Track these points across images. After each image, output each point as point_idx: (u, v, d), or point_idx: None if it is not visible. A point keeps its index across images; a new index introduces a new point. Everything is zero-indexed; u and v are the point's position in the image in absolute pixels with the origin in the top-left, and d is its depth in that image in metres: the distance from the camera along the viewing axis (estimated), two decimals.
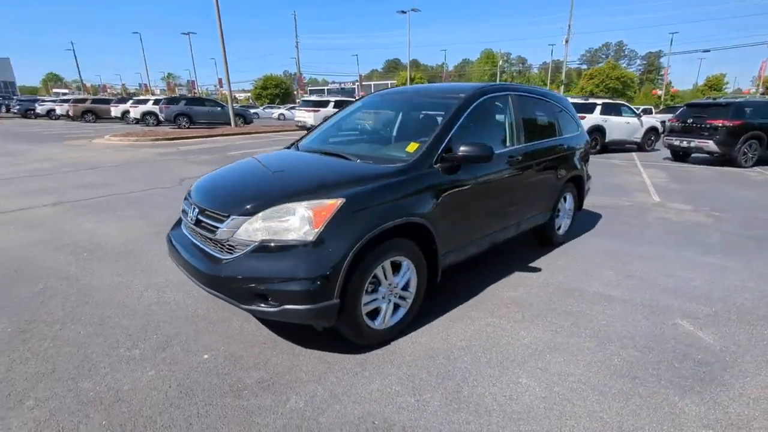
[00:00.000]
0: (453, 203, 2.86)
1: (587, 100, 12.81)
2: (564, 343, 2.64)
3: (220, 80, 28.04)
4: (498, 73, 70.50)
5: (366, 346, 2.55)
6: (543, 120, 4.03)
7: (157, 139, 15.15)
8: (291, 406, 2.08)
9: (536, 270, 3.76)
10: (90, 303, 3.06)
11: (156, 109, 20.86)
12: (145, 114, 21.72)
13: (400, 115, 3.73)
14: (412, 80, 33.94)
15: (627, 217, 5.53)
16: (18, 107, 29.84)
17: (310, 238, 2.20)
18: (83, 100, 26.06)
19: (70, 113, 25.10)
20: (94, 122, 24.94)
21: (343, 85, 63.37)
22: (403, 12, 32.18)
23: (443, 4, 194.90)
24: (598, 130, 12.09)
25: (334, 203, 2.27)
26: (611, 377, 2.31)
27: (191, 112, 20.01)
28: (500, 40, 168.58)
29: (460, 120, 3.03)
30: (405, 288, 2.70)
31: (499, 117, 3.53)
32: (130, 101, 23.66)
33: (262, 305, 2.20)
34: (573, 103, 13.31)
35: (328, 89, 62.27)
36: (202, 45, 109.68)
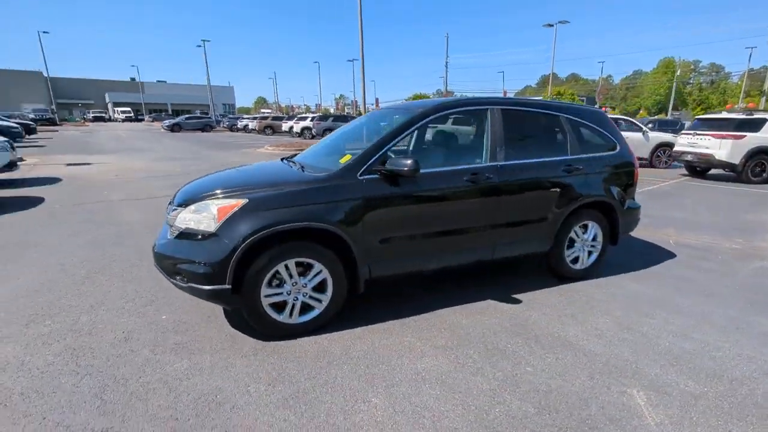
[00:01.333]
0: (383, 216, 2.85)
1: (751, 114, 9.90)
2: (459, 379, 2.37)
3: (377, 100, 30.93)
4: (675, 85, 58.83)
5: (271, 336, 2.77)
6: (542, 136, 3.54)
7: (301, 149, 17.71)
8: (177, 367, 2.46)
9: (515, 302, 3.32)
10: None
11: (311, 124, 24.52)
12: (303, 129, 25.67)
13: (365, 130, 3.82)
14: (560, 96, 31.20)
15: (711, 263, 4.27)
16: (227, 123, 38.97)
17: (212, 230, 2.57)
18: (265, 118, 32.37)
19: (256, 128, 31.37)
20: (271, 135, 30.46)
21: None
22: (550, 25, 29.83)
23: (604, 11, 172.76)
24: (766, 153, 9.42)
25: (237, 203, 2.59)
26: (474, 427, 2.01)
27: (335, 127, 22.81)
28: (683, 46, 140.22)
29: (401, 135, 3.00)
30: (320, 290, 2.82)
31: (468, 133, 3.29)
32: (295, 118, 28.30)
33: (178, 279, 2.65)
34: (723, 119, 10.64)
35: None
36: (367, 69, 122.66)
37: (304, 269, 2.76)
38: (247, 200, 2.60)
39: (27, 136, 24.44)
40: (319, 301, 2.83)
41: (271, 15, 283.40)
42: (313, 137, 24.86)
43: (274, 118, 31.84)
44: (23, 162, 13.35)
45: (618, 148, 3.84)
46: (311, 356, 2.58)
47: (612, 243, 3.89)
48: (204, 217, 2.63)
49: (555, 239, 3.54)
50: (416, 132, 3.21)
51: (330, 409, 2.11)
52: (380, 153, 2.88)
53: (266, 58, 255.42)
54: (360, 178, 2.81)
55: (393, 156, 2.88)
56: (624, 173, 3.83)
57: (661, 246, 4.83)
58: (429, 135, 3.66)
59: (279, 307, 2.75)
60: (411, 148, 3.60)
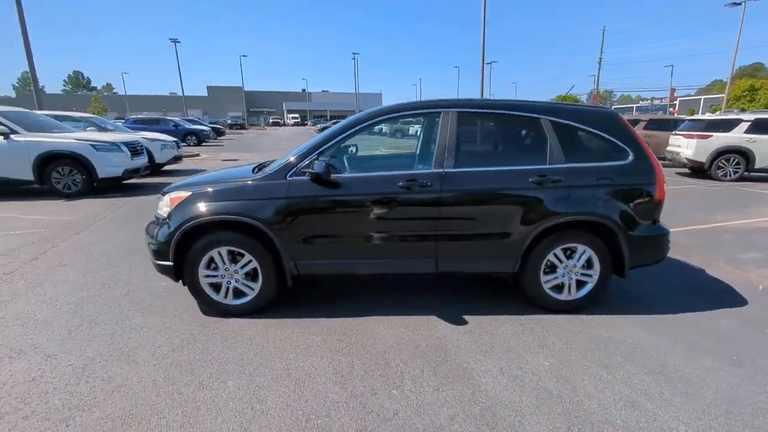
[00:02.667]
0: (307, 216, 2.95)
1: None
2: (319, 384, 2.34)
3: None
4: None
5: (209, 312, 3.15)
6: (511, 142, 3.02)
7: None
8: (132, 324, 3.04)
9: (458, 322, 2.99)
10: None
11: None
12: None
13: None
14: (756, 90, 24.13)
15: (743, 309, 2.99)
16: None
17: (164, 215, 3.07)
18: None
19: (388, 131, 33.30)
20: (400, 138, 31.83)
21: (658, 101, 51.67)
22: (736, 4, 22.85)
23: None
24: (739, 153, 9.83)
25: (183, 195, 3.03)
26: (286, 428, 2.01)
27: None
28: None
29: (335, 139, 3.01)
30: (253, 279, 3.08)
31: (421, 138, 3.05)
32: None
33: (151, 256, 3.24)
34: (698, 120, 11.10)
35: (637, 107, 52.74)
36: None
37: (238, 257, 3.05)
38: (190, 194, 3.03)
39: (216, 138, 30.98)
40: (251, 288, 3.09)
41: (414, 25, 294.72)
42: None
43: None
44: (198, 156, 17.07)
45: (630, 157, 3.04)
46: (222, 334, 2.86)
47: (618, 274, 3.11)
48: (164, 204, 3.14)
49: (524, 260, 3.03)
50: (365, 134, 3.16)
51: (197, 381, 2.35)
52: (311, 156, 2.97)
53: (411, 64, 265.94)
54: (288, 179, 2.95)
55: (321, 160, 2.92)
56: (635, 189, 3.02)
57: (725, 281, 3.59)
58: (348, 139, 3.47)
59: (218, 287, 3.10)
60: (355, 152, 3.53)
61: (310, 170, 2.86)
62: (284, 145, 24.35)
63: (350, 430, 1.98)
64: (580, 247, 3.03)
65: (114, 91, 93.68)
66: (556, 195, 2.93)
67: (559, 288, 3.13)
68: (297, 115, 72.22)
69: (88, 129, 10.14)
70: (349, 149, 3.75)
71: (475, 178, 2.96)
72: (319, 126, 40.67)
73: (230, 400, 2.19)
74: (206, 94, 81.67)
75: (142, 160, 8.92)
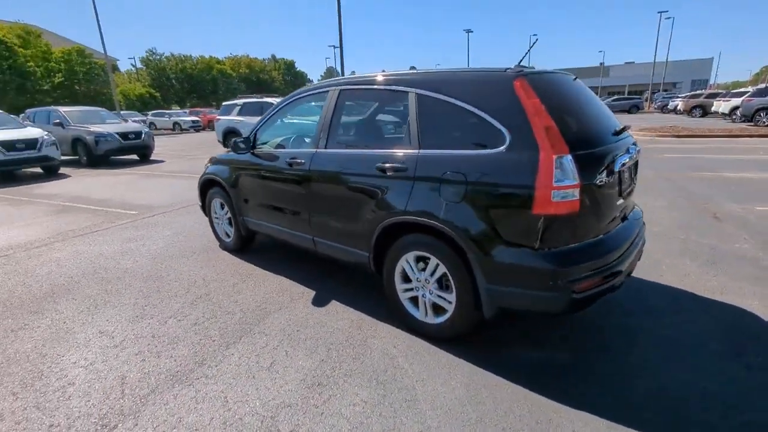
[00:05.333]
0: (241, 181, 3.64)
1: None
2: (162, 339, 3.12)
3: None
4: None
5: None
6: (378, 121, 2.47)
7: (678, 136, 13.68)
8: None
9: (322, 303, 2.97)
10: None
11: (739, 102, 17.01)
12: (732, 109, 18.23)
13: None
14: None
15: None
16: (659, 103, 33.13)
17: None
18: (697, 95, 24.84)
19: (682, 108, 25.09)
20: (701, 117, 23.55)
21: None
22: None
23: None
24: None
25: (210, 160, 4.29)
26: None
27: None
28: None
29: (267, 117, 3.44)
30: (230, 224, 4.08)
31: (315, 116, 2.99)
32: (725, 95, 20.14)
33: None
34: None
35: None
36: None
37: (224, 210, 4.08)
38: (209, 157, 4.25)
39: None
40: (228, 234, 4.10)
41: None
42: (748, 120, 17.35)
43: (709, 96, 23.79)
44: None
45: (504, 144, 1.99)
46: (176, 285, 4.01)
47: (475, 307, 2.20)
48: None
49: (379, 259, 2.63)
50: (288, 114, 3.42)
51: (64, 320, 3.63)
52: (253, 131, 3.55)
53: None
54: (240, 148, 3.64)
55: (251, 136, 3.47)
56: (501, 191, 2.00)
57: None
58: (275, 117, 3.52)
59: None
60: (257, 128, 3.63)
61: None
62: None
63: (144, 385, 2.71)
64: (433, 259, 2.34)
65: None
66: (399, 187, 2.37)
67: (416, 302, 2.52)
68: None
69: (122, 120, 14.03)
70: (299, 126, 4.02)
71: (332, 160, 2.78)
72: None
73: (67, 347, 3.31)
74: None
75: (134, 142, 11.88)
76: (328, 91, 2.97)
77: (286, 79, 70.18)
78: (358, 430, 1.82)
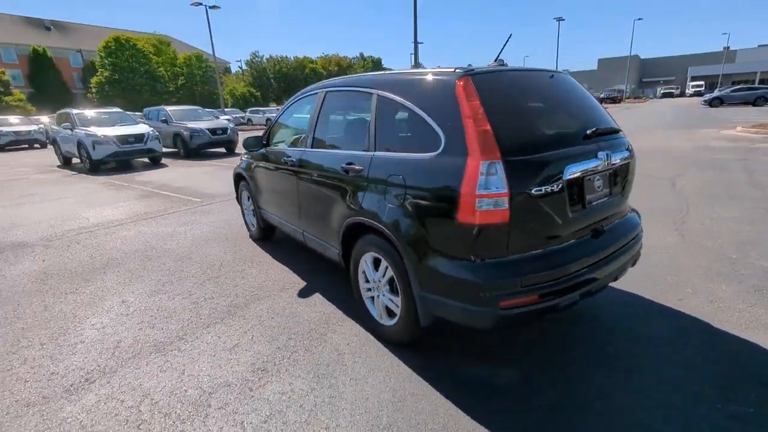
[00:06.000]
0: (257, 176, 3.92)
1: None
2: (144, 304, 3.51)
3: None
4: None
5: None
6: (351, 121, 2.45)
7: None
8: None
9: (306, 294, 3.11)
10: None
11: None
12: None
13: None
14: None
15: None
16: None
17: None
18: None
19: None
20: None
21: None
22: None
23: None
24: None
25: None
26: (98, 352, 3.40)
27: None
28: None
29: (278, 117, 3.64)
30: (253, 214, 4.42)
31: (307, 117, 3.09)
32: None
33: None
34: None
35: None
36: None
37: (249, 202, 4.43)
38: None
39: None
40: (252, 224, 4.44)
41: None
42: None
43: None
44: None
45: (440, 148, 1.87)
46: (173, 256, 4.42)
47: (412, 316, 2.12)
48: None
49: (346, 256, 2.66)
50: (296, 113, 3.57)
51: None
52: (267, 130, 3.79)
53: None
54: (251, 145, 3.90)
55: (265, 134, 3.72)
56: (432, 196, 1.90)
57: None
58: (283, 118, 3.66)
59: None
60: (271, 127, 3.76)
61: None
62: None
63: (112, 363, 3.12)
64: (383, 262, 2.31)
65: None
66: (357, 188, 2.38)
67: (375, 302, 2.51)
68: (701, 83, 55.55)
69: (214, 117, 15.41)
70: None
71: (315, 158, 2.89)
72: (707, 97, 30.41)
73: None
74: (595, 68, 77.21)
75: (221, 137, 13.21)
76: (317, 93, 3.06)
77: None
78: (273, 417, 1.91)
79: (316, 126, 2.96)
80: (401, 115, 2.20)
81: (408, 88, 2.19)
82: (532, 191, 1.77)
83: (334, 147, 2.84)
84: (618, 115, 24.64)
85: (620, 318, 2.60)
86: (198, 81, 46.55)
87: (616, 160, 2.12)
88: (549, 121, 2.07)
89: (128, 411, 1.99)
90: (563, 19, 46.14)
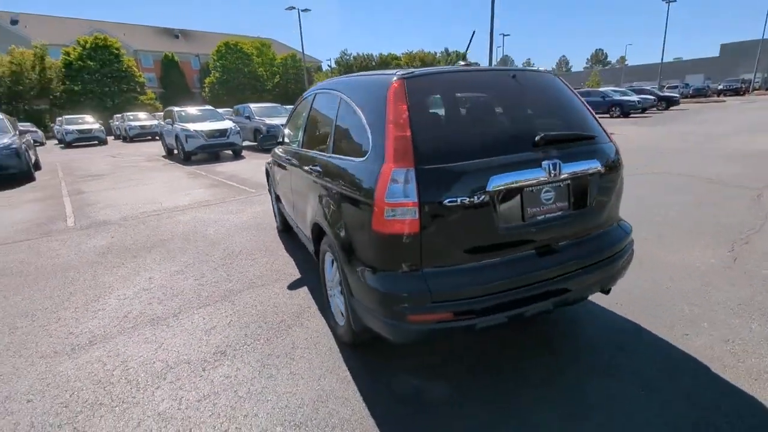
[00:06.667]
0: (274, 171, 4.14)
1: None
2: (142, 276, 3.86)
3: None
4: None
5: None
6: (323, 125, 2.46)
7: None
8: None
9: (294, 287, 3.24)
10: None
11: None
12: None
13: None
14: None
15: None
16: None
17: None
18: None
19: None
20: None
21: None
22: None
23: None
24: None
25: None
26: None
27: None
28: None
29: (288, 117, 3.78)
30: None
31: (306, 116, 3.16)
32: None
33: None
34: None
35: None
36: None
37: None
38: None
39: (663, 108, 25.65)
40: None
41: None
42: None
43: None
44: None
45: (368, 152, 1.78)
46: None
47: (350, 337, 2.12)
48: None
49: (316, 255, 2.71)
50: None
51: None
52: (283, 129, 3.98)
53: None
54: (264, 143, 4.12)
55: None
56: (353, 201, 1.84)
57: None
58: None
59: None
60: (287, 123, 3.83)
61: None
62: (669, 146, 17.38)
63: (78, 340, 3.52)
64: (336, 263, 2.30)
65: (626, 62, 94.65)
66: (320, 189, 2.40)
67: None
68: None
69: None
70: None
71: (300, 158, 2.97)
72: None
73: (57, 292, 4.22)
74: (717, 55, 65.75)
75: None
76: (311, 95, 3.13)
77: None
78: (207, 398, 2.05)
79: (306, 126, 3.04)
80: (352, 118, 2.16)
81: (358, 91, 2.15)
82: (445, 202, 1.63)
83: (311, 147, 2.89)
84: (731, 110, 20.61)
85: (614, 353, 2.24)
86: (291, 79, 50.02)
87: (571, 171, 1.82)
88: (490, 128, 1.86)
89: (104, 372, 2.30)
90: (674, 0, 39.92)
